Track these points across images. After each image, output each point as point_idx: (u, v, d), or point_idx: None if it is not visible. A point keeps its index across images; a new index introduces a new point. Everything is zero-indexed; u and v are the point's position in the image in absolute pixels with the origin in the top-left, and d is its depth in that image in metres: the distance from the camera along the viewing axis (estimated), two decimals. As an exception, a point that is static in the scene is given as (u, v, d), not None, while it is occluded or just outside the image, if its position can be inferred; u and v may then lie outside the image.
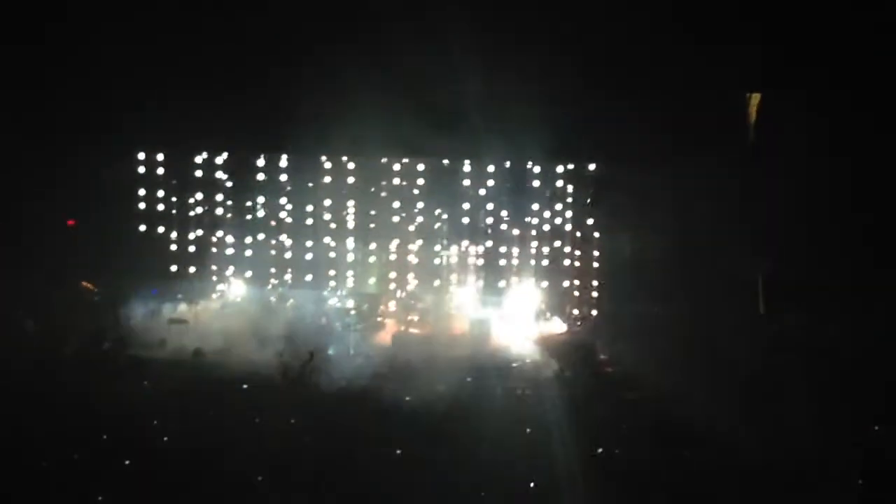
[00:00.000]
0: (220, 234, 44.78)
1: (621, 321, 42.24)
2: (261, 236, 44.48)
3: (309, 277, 44.62)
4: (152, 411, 30.92)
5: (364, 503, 24.83)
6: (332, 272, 44.77)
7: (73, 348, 38.15)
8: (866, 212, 37.19)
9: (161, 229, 44.63)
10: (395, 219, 44.21)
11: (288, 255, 44.64)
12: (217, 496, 25.11)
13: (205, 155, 44.08)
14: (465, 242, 44.49)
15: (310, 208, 44.34)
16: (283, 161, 44.03)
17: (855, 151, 37.63)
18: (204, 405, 31.98)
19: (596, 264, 44.31)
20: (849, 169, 37.96)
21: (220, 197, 44.53)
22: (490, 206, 44.09)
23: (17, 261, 39.59)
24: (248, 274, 44.68)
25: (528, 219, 44.11)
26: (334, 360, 37.58)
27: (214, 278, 44.83)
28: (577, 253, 44.27)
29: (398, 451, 27.94)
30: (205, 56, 40.22)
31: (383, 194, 44.17)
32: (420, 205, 44.10)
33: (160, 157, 44.10)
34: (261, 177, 44.15)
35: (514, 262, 44.43)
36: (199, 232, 44.80)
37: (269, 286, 44.56)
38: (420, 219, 44.23)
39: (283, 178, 44.13)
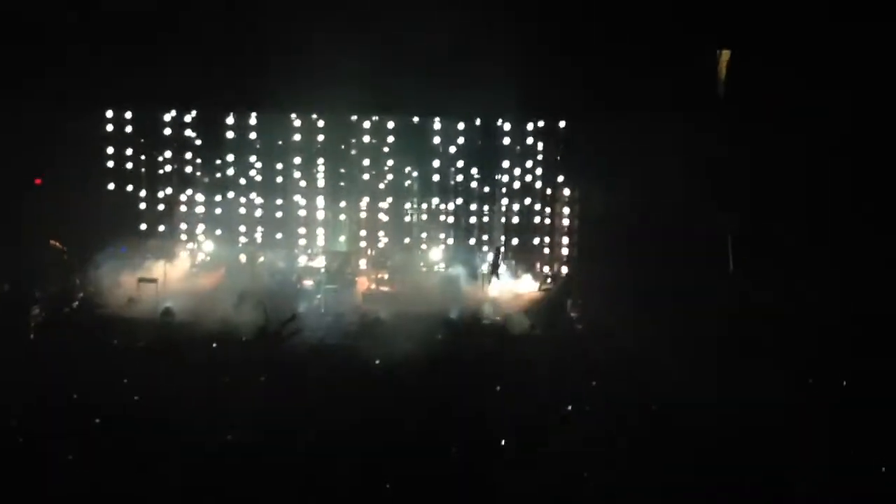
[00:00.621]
0: (189, 192, 44.69)
1: (592, 279, 42.35)
2: (230, 194, 44.40)
3: (279, 236, 44.58)
4: (122, 370, 30.79)
5: (333, 462, 24.76)
6: (302, 230, 44.74)
7: (41, 307, 38.08)
8: (836, 170, 37.29)
9: (130, 187, 44.49)
10: (366, 176, 44.18)
11: (258, 213, 44.57)
12: (187, 453, 25.03)
13: (174, 113, 43.86)
14: (435, 200, 44.50)
15: (279, 166, 44.25)
16: (253, 119, 43.85)
17: (826, 107, 37.71)
18: (173, 364, 31.89)
19: (566, 222, 44.37)
20: (822, 126, 38.06)
21: (189, 155, 44.43)
22: (460, 164, 44.06)
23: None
24: (218, 232, 44.64)
25: (498, 176, 44.10)
26: (305, 319, 37.57)
27: (184, 237, 44.78)
28: (548, 210, 44.33)
29: (368, 409, 27.87)
30: (170, 12, 39.94)
31: (353, 152, 44.13)
32: (390, 162, 44.07)
33: (128, 114, 43.87)
34: (230, 135, 44.01)
35: (485, 219, 44.47)
36: (169, 190, 44.70)
37: (239, 244, 44.47)
38: (390, 176, 44.22)
39: (253, 136, 43.99)
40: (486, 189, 44.32)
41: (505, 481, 24.39)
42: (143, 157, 44.48)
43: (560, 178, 43.91)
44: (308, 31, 38.65)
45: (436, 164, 44.06)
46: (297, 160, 44.16)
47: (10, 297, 38.90)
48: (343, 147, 44.20)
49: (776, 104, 38.94)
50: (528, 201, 44.24)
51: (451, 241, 44.75)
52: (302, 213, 44.67)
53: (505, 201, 44.27)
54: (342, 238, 44.91)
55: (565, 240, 44.46)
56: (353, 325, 38.18)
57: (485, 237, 44.48)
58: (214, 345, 34.53)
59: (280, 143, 44.12)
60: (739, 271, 38.45)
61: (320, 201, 44.64)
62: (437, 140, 43.84)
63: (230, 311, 37.89)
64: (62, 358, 31.30)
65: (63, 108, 42.17)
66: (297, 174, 44.35)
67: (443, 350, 34.92)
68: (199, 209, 44.75)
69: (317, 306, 40.43)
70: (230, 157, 44.15)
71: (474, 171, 44.13)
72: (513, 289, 42.33)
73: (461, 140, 43.78)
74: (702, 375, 29.33)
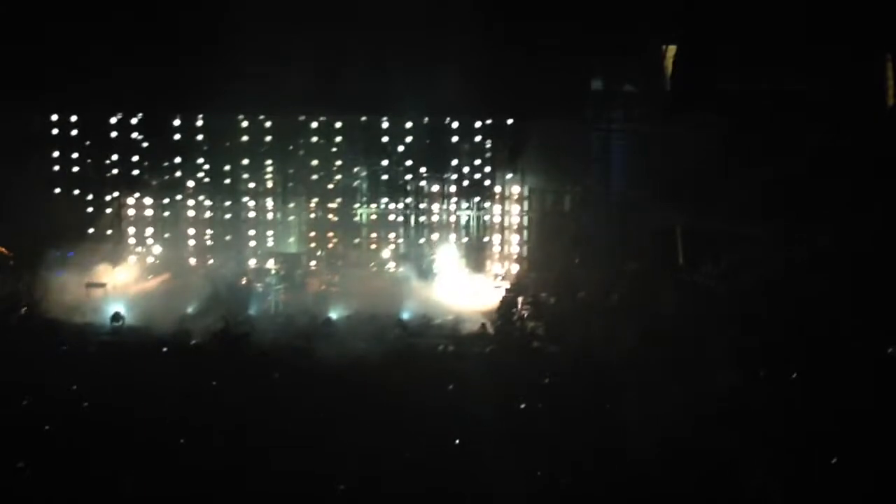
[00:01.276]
0: (136, 195, 44.39)
1: (543, 276, 42.48)
2: (178, 197, 44.15)
3: (228, 238, 44.36)
4: (71, 376, 30.56)
5: (286, 465, 24.68)
6: (251, 232, 44.56)
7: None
8: (780, 163, 37.57)
9: (76, 191, 44.15)
10: (314, 177, 44.02)
11: (207, 215, 44.36)
12: (137, 459, 24.86)
13: (120, 115, 43.55)
14: (384, 200, 44.41)
15: (227, 168, 44.05)
16: (200, 121, 43.62)
17: (770, 101, 38.04)
18: (123, 369, 31.69)
19: (517, 219, 44.42)
20: (764, 119, 38.39)
21: (136, 158, 44.11)
22: (409, 163, 43.99)
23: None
24: (167, 235, 44.36)
25: (447, 175, 44.09)
26: (256, 321, 37.44)
27: (132, 240, 44.44)
28: (498, 208, 44.34)
29: (320, 413, 27.79)
30: (114, 12, 39.66)
31: (301, 153, 43.98)
32: (338, 163, 43.96)
33: (74, 118, 43.53)
34: (177, 137, 43.74)
35: (434, 218, 44.44)
36: (116, 193, 44.37)
37: (188, 247, 44.23)
38: (339, 177, 44.12)
39: (200, 137, 43.76)
40: (436, 188, 44.26)
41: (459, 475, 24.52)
42: (89, 161, 44.13)
43: (509, 176, 43.90)
44: (254, 31, 38.43)
45: (384, 163, 43.98)
46: (245, 162, 43.96)
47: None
48: (291, 148, 44.04)
49: (719, 97, 39.29)
50: (477, 199, 44.22)
51: (401, 240, 44.68)
52: (251, 214, 44.51)
53: (455, 200, 44.17)
54: (292, 239, 44.78)
55: (515, 238, 44.49)
56: (304, 325, 38.01)
57: (434, 236, 44.39)
58: (164, 349, 34.42)
59: (227, 144, 43.91)
60: (687, 263, 38.64)
61: (269, 203, 44.49)
62: (385, 139, 43.74)
63: (179, 315, 37.75)
64: (10, 364, 31.07)
65: (6, 111, 41.89)
66: (245, 176, 44.18)
67: (394, 350, 34.92)
68: (147, 212, 44.50)
69: (267, 308, 40.27)
70: (177, 160, 43.90)
71: (423, 170, 44.04)
72: (464, 288, 42.25)
73: (409, 139, 43.70)
74: (654, 368, 29.47)
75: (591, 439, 26.12)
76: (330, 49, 39.78)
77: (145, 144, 43.94)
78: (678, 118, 40.80)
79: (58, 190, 43.92)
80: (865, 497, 22.89)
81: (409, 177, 44.13)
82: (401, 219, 44.62)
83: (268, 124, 43.66)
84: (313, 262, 44.12)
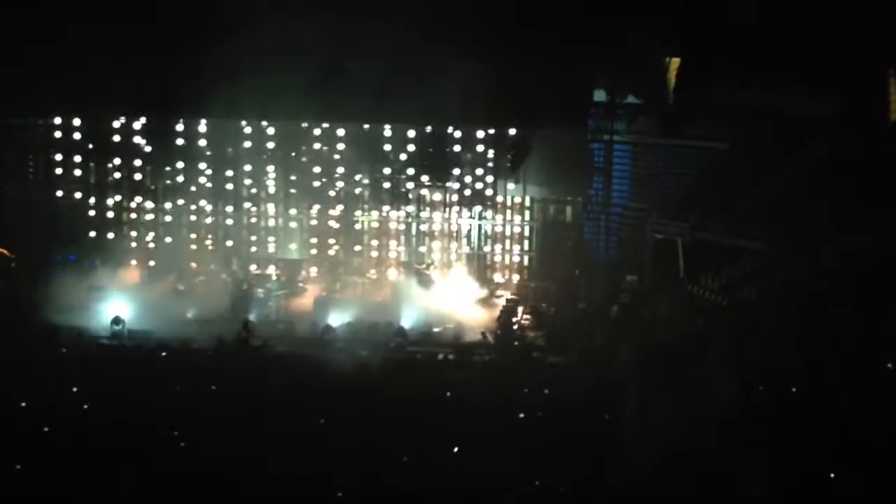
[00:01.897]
0: (138, 199, 44.38)
1: (544, 286, 42.52)
2: (180, 202, 44.13)
3: (229, 243, 44.35)
4: (71, 379, 30.59)
5: (284, 470, 24.72)
6: (252, 238, 44.55)
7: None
8: (782, 176, 37.63)
9: (79, 195, 44.17)
10: (316, 184, 43.97)
11: (208, 220, 44.33)
12: (137, 463, 24.91)
13: (122, 120, 43.57)
14: (386, 207, 44.38)
15: (229, 173, 44.02)
16: (202, 126, 43.62)
17: (772, 115, 38.08)
18: (123, 373, 31.73)
19: (518, 229, 44.42)
20: (766, 132, 38.43)
21: (138, 162, 44.09)
22: (411, 171, 43.98)
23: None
24: (168, 240, 44.32)
25: (449, 183, 44.08)
26: (256, 327, 37.43)
27: (134, 244, 44.40)
28: (499, 218, 44.34)
29: (320, 419, 27.83)
30: (120, 18, 39.74)
31: (304, 159, 43.92)
32: (341, 170, 43.89)
33: (77, 121, 43.55)
34: (179, 142, 43.73)
35: (436, 227, 44.42)
36: (118, 198, 44.36)
37: (190, 252, 44.19)
38: (341, 184, 44.05)
39: (203, 143, 43.74)
40: (437, 196, 44.27)
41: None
42: (91, 165, 44.16)
43: (511, 186, 43.91)
44: (258, 39, 38.46)
45: (386, 171, 43.97)
46: (248, 167, 43.94)
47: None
48: (293, 154, 44.01)
49: (722, 110, 39.33)
50: (478, 208, 44.22)
51: (402, 248, 44.65)
52: (252, 220, 44.50)
53: (456, 209, 44.17)
54: (293, 245, 44.73)
55: (516, 248, 44.48)
56: (304, 332, 38.04)
57: (436, 245, 44.38)
58: (164, 353, 34.47)
59: (230, 150, 43.90)
60: (688, 276, 38.63)
61: (271, 209, 44.48)
62: (387, 147, 43.74)
63: (179, 319, 37.82)
64: (9, 366, 31.10)
65: (10, 115, 41.98)
66: (247, 181, 44.15)
67: (393, 358, 34.96)
68: (149, 216, 44.48)
69: (267, 314, 40.28)
70: (180, 165, 43.86)
71: (425, 178, 44.04)
72: (464, 296, 42.25)
73: (412, 147, 43.69)
74: (654, 380, 29.45)
75: (589, 449, 26.17)
76: (333, 57, 39.79)
77: (148, 149, 43.87)
78: (680, 130, 40.82)
79: (60, 193, 43.87)
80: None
81: (410, 185, 44.09)
82: (402, 227, 44.57)
83: (270, 130, 43.61)
84: (314, 269, 44.10)
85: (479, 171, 43.82)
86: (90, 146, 43.93)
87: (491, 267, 44.60)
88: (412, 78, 39.17)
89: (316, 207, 44.17)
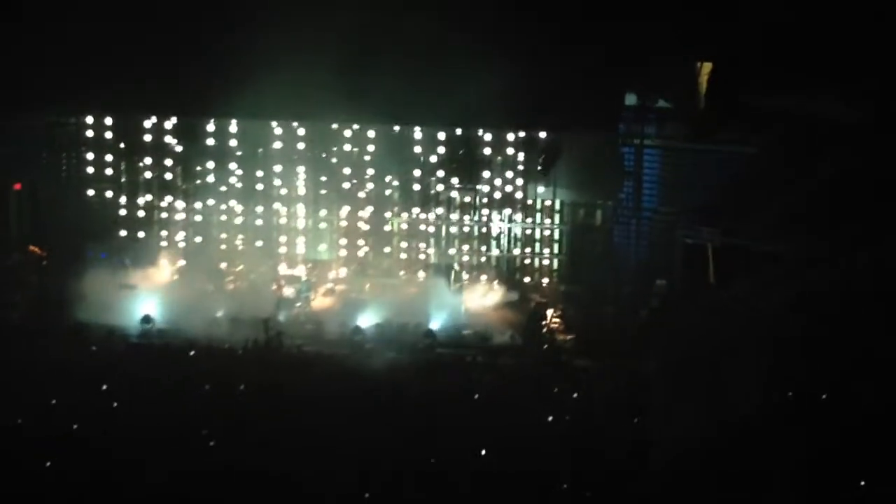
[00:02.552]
0: (169, 198, 44.49)
1: (574, 289, 42.39)
2: (210, 202, 44.22)
3: (259, 243, 44.42)
4: (100, 376, 30.71)
5: (311, 465, 24.77)
6: (282, 238, 44.60)
7: (19, 313, 38.04)
8: (816, 179, 37.42)
9: (110, 194, 44.31)
10: (346, 185, 44.03)
11: (238, 220, 44.41)
12: (166, 460, 24.99)
13: (154, 119, 43.72)
14: (415, 209, 44.38)
15: (260, 174, 44.11)
16: (233, 126, 43.73)
17: (803, 120, 37.95)
18: (152, 371, 31.82)
19: (547, 232, 44.36)
20: (797, 138, 38.27)
21: (169, 162, 44.21)
22: (441, 174, 43.98)
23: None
24: (198, 239, 44.41)
25: (479, 186, 44.07)
26: (285, 327, 37.49)
27: (164, 243, 44.50)
28: (529, 220, 44.29)
29: (347, 415, 27.84)
30: (152, 19, 39.91)
31: (334, 160, 43.98)
32: (371, 171, 43.93)
33: (108, 121, 43.72)
34: (210, 142, 43.85)
35: (465, 229, 44.39)
36: (148, 197, 44.49)
37: (219, 252, 44.27)
38: (371, 185, 44.09)
39: (233, 143, 43.85)
40: (467, 199, 44.25)
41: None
42: (122, 164, 44.30)
43: (541, 189, 43.85)
44: (289, 41, 38.55)
45: (416, 173, 43.97)
46: (278, 168, 44.01)
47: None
48: (324, 155, 44.07)
49: (752, 115, 39.22)
50: (508, 211, 44.17)
51: (431, 250, 44.63)
52: (282, 221, 44.54)
53: (486, 211, 44.14)
54: (323, 246, 44.75)
55: (546, 250, 44.42)
56: (332, 332, 38.04)
57: (465, 247, 44.36)
58: (192, 352, 34.58)
59: (260, 150, 43.99)
60: (718, 280, 38.51)
61: (301, 209, 44.52)
62: (417, 149, 43.76)
63: (208, 318, 37.91)
64: (40, 363, 31.27)
65: (43, 113, 42.16)
66: (277, 182, 44.21)
67: (422, 360, 34.97)
68: (179, 216, 44.55)
69: (296, 315, 40.27)
70: (210, 165, 43.96)
71: (455, 180, 44.02)
72: (493, 299, 42.20)
73: (442, 150, 43.70)
74: (683, 385, 29.37)
75: (619, 453, 26.15)
76: (364, 58, 39.85)
77: (178, 148, 44.00)
78: (711, 135, 40.70)
79: (91, 192, 44.05)
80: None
81: (440, 187, 44.07)
82: (432, 229, 44.55)
83: (300, 131, 43.68)
84: (343, 270, 44.12)
85: (509, 174, 43.80)
86: (121, 145, 44.07)
87: (520, 270, 44.54)
88: (443, 80, 39.18)
89: (346, 209, 44.20)
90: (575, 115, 40.62)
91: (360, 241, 44.30)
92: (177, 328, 37.37)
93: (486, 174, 43.92)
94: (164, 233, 44.62)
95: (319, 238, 44.61)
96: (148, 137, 43.98)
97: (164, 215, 44.48)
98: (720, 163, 40.57)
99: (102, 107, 43.25)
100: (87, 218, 43.52)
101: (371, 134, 43.59)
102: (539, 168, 43.40)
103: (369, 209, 44.21)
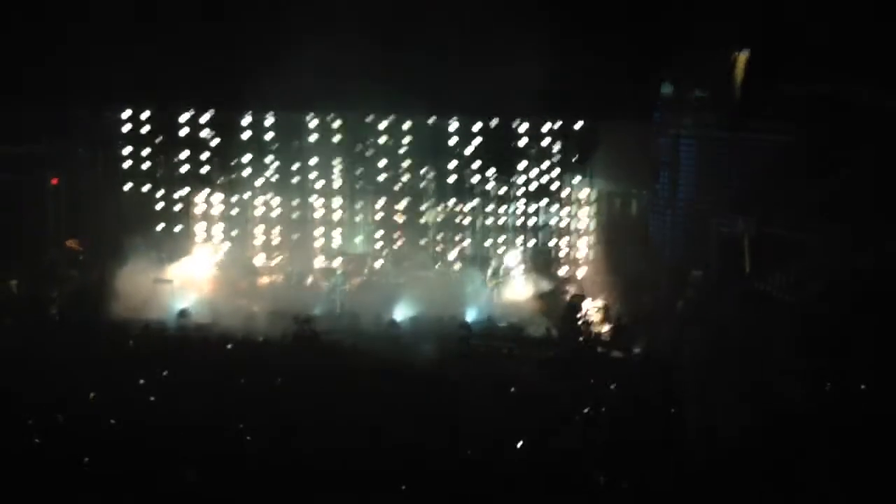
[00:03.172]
0: (205, 192, 44.64)
1: (610, 281, 42.29)
2: (247, 195, 44.35)
3: (295, 237, 44.52)
4: (137, 371, 30.84)
5: (347, 459, 24.80)
6: (318, 231, 44.69)
7: (56, 308, 38.27)
8: (851, 169, 37.17)
9: (147, 187, 44.50)
10: (382, 177, 44.09)
11: (274, 214, 44.54)
12: (202, 455, 25.06)
13: (190, 113, 43.87)
14: (451, 201, 44.39)
15: (296, 167, 44.21)
16: (269, 119, 43.84)
17: (838, 110, 37.69)
18: (189, 365, 31.96)
19: (584, 223, 44.32)
20: (832, 127, 38.01)
21: (205, 155, 44.37)
22: (476, 165, 43.96)
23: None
24: (234, 233, 44.56)
25: (515, 177, 44.06)
26: (321, 321, 37.57)
27: (200, 237, 44.67)
28: (565, 211, 44.26)
29: (384, 410, 27.85)
30: (189, 12, 40.03)
31: (369, 153, 44.06)
32: (406, 163, 43.98)
33: (145, 115, 43.89)
34: (246, 135, 43.98)
35: (501, 221, 44.38)
36: (185, 190, 44.65)
37: (256, 245, 44.43)
38: (406, 177, 44.14)
39: (269, 136, 43.97)
40: (503, 190, 44.24)
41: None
42: (159, 158, 44.48)
43: (577, 180, 43.80)
44: (325, 34, 38.59)
45: (452, 165, 43.97)
46: (314, 161, 44.11)
47: (25, 296, 39.14)
48: (359, 148, 44.17)
49: (788, 105, 38.99)
50: (544, 202, 44.14)
51: (466, 242, 44.65)
52: (318, 214, 44.64)
53: (522, 203, 44.13)
54: (358, 239, 44.84)
55: (582, 242, 44.39)
56: (369, 326, 38.09)
57: (501, 239, 44.36)
58: (229, 346, 34.70)
59: (296, 143, 44.10)
60: (754, 271, 38.33)
61: (336, 202, 44.60)
62: (453, 141, 43.77)
63: (245, 312, 38.07)
64: (78, 358, 31.44)
65: (79, 107, 42.34)
66: (313, 175, 44.31)
67: (459, 352, 34.99)
68: (216, 210, 44.72)
69: (332, 308, 40.34)
70: (246, 158, 44.10)
71: (491, 172, 44.02)
72: (529, 290, 42.17)
73: (477, 141, 43.70)
74: (718, 376, 29.29)
75: (654, 446, 26.06)
76: (398, 50, 39.86)
77: (215, 142, 44.15)
78: (747, 124, 40.48)
79: (128, 186, 44.24)
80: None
81: (476, 179, 44.06)
82: (467, 221, 44.56)
83: (336, 124, 43.75)
84: (379, 262, 44.17)
85: (546, 165, 43.76)
86: (158, 139, 44.24)
87: (556, 261, 44.51)
88: (478, 71, 39.13)
89: (381, 201, 44.25)
90: (610, 105, 40.53)
91: (396, 234, 44.39)
92: (213, 323, 37.54)
93: (522, 165, 43.92)
94: (200, 226, 44.80)
95: (355, 231, 44.71)
96: (184, 131, 44.17)
97: (200, 209, 44.70)
98: (756, 152, 40.30)
99: (141, 100, 43.49)
100: (124, 212, 43.76)
101: (406, 126, 43.65)
102: (576, 158, 43.42)
103: (405, 201, 44.26)
